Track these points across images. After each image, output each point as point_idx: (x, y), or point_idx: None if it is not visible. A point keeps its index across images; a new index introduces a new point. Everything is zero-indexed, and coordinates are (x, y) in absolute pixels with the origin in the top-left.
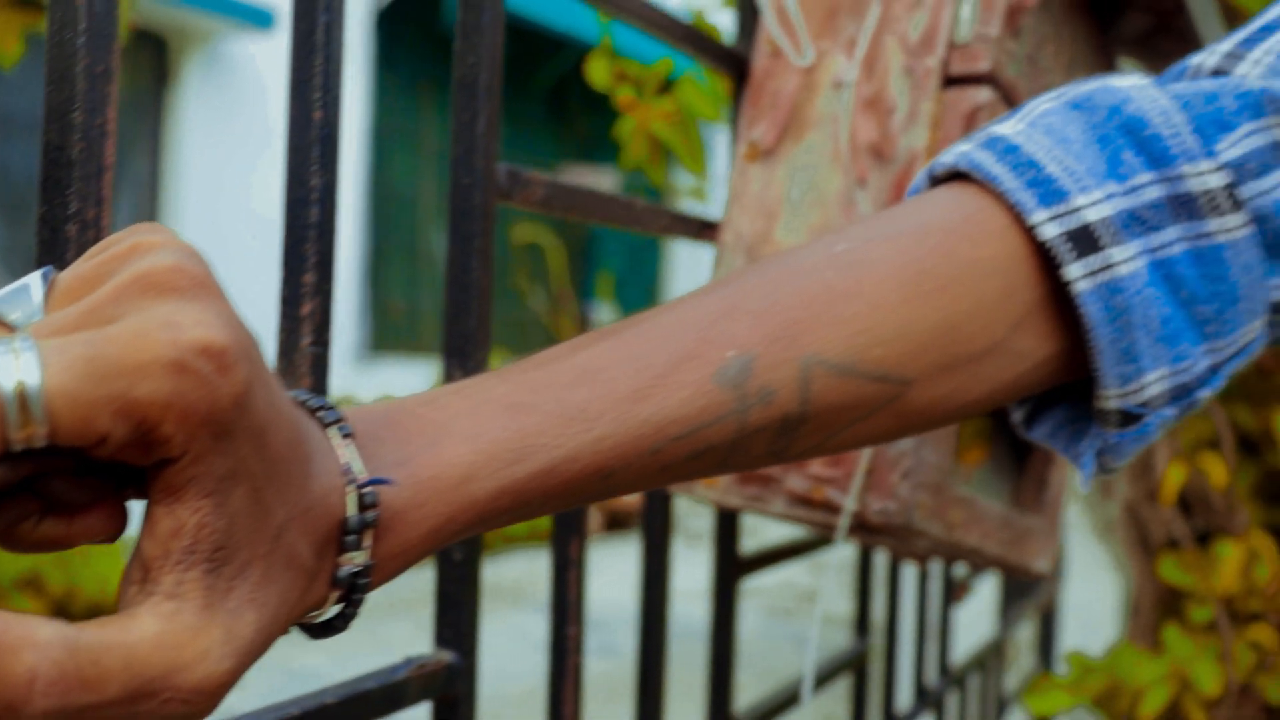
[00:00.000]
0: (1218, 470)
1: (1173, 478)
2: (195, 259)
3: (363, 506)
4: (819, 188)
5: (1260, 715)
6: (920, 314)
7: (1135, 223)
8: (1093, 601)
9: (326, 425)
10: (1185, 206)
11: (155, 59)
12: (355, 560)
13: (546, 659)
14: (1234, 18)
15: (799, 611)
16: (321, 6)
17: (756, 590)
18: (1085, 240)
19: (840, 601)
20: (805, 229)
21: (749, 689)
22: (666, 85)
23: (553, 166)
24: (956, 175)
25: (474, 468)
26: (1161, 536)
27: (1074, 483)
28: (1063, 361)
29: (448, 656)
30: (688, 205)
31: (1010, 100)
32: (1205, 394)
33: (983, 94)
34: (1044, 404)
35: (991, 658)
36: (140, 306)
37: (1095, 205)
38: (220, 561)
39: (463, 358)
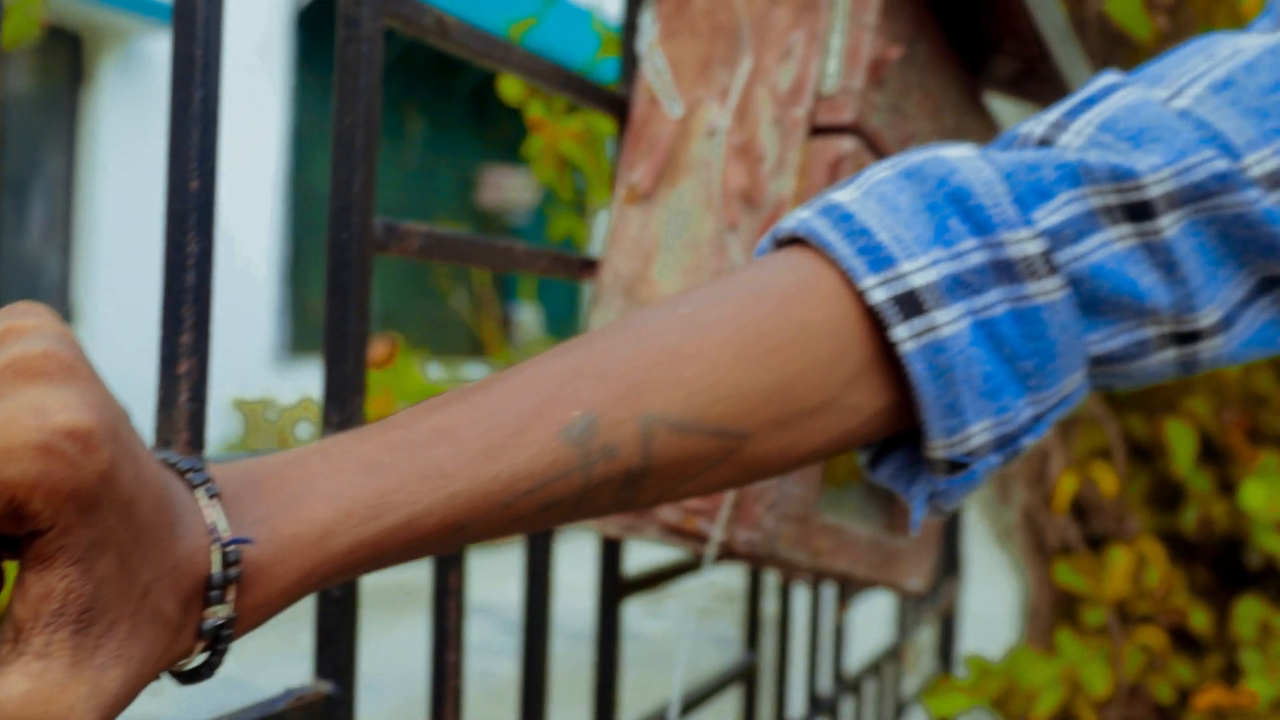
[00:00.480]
0: (1108, 479)
1: (1065, 486)
2: (66, 343)
3: (226, 563)
4: (692, 231)
5: (1150, 714)
6: (757, 373)
7: (960, 286)
8: (993, 605)
9: (195, 486)
10: (1006, 271)
11: (70, 57)
12: (219, 614)
13: (474, 663)
14: (1123, 44)
15: (720, 611)
16: (198, 81)
17: (678, 591)
18: (911, 304)
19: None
20: (679, 270)
21: (667, 689)
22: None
23: (475, 168)
24: (797, 239)
25: (333, 524)
26: (1057, 542)
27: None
28: (894, 414)
29: (326, 687)
30: (604, 217)
31: (875, 147)
32: (1029, 441)
33: (846, 144)
34: (886, 448)
35: (888, 662)
36: (11, 391)
37: (921, 271)
38: (88, 622)
39: (341, 402)
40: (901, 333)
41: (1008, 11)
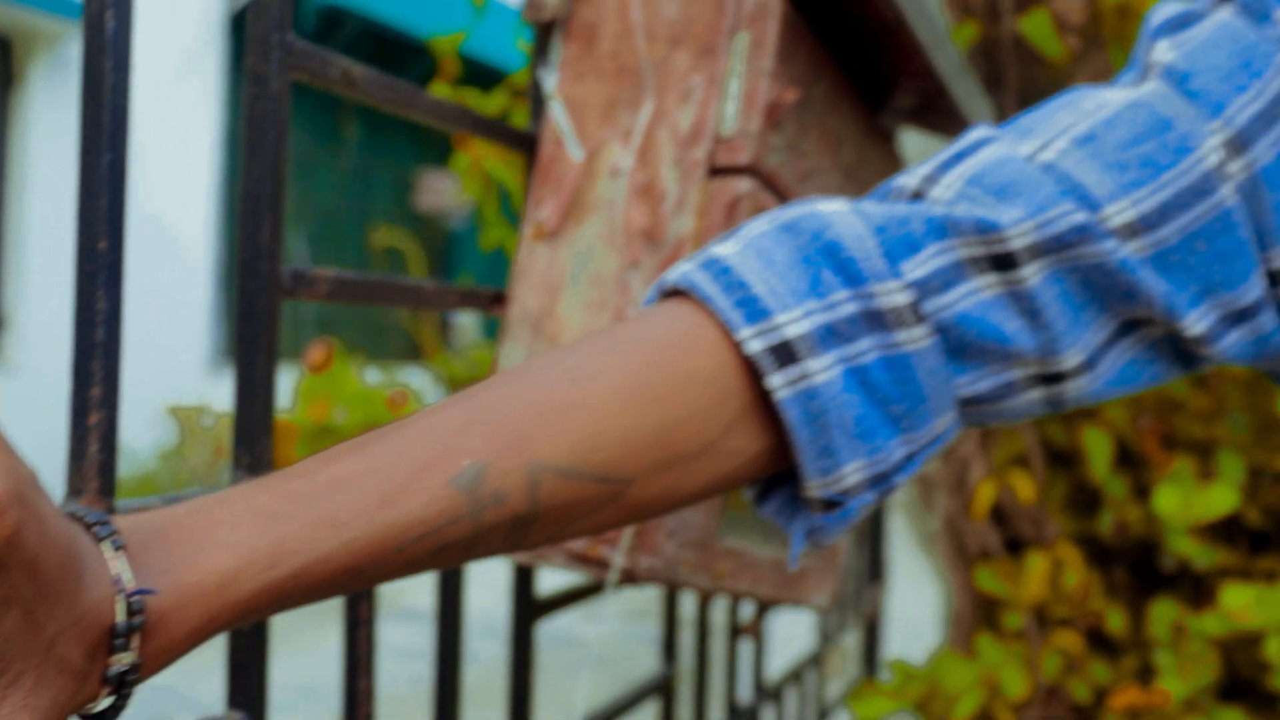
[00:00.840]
0: (1025, 487)
1: (984, 495)
2: None
3: (130, 612)
4: (597, 268)
5: (1068, 715)
6: (639, 421)
7: (832, 335)
8: (918, 610)
9: (101, 539)
10: (876, 320)
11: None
12: (124, 660)
13: (406, 667)
14: (1038, 62)
15: (655, 613)
16: (105, 145)
17: (616, 594)
18: (785, 354)
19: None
20: (584, 306)
21: (605, 690)
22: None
23: (412, 171)
24: (681, 291)
25: (234, 573)
26: (977, 548)
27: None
28: (772, 456)
29: (237, 716)
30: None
31: (773, 186)
32: (903, 478)
33: (743, 184)
34: (770, 485)
35: (809, 669)
36: None
37: (795, 323)
38: None
39: (250, 444)
40: (776, 380)
41: (903, 52)
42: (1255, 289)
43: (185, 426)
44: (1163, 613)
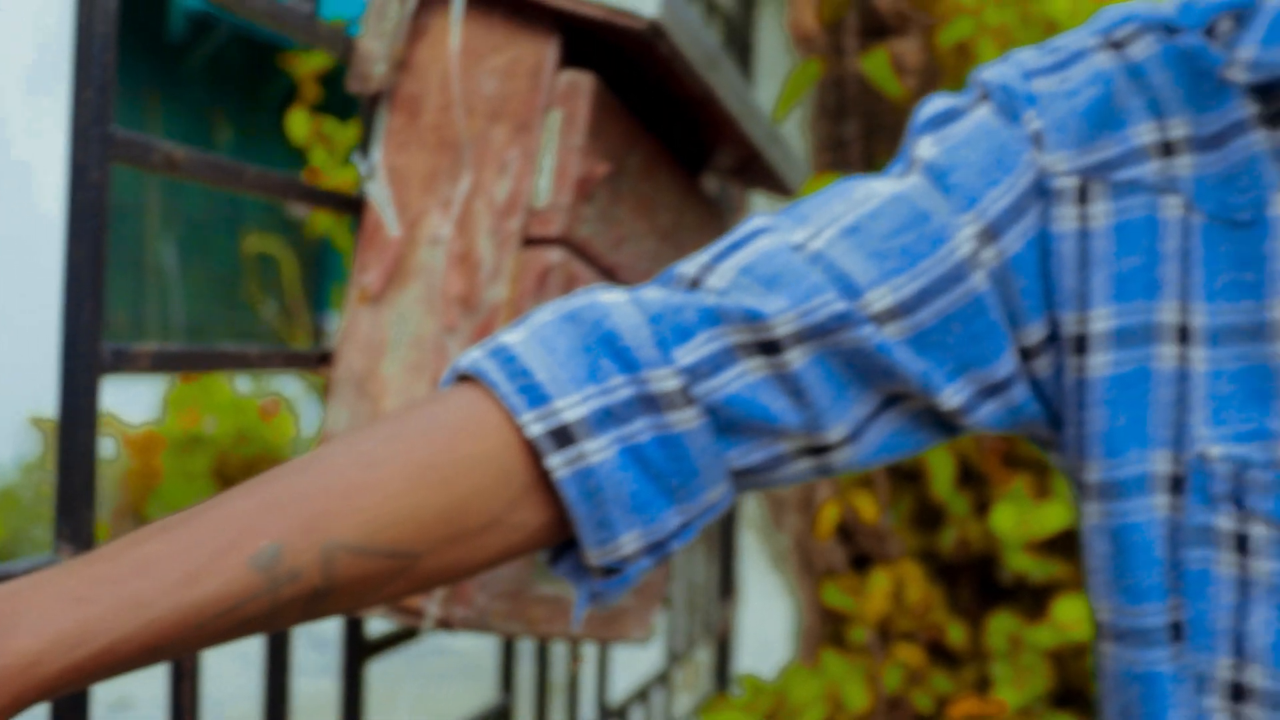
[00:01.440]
0: (868, 507)
1: (827, 515)
2: None
3: None
4: (416, 331)
5: None
6: (426, 500)
7: (609, 418)
8: (769, 626)
9: None
10: (650, 403)
11: None
12: None
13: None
14: (880, 98)
15: None
16: None
17: None
18: (563, 436)
19: None
20: (405, 367)
21: (478, 700)
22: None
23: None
24: (471, 376)
25: (40, 655)
26: (824, 565)
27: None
28: (556, 528)
29: None
30: None
31: (585, 254)
32: (679, 544)
33: (554, 254)
34: (562, 549)
35: (656, 688)
36: None
37: (574, 407)
38: None
39: (71, 515)
40: (554, 461)
41: (716, 124)
42: (1007, 365)
43: (49, 438)
44: (1000, 625)
